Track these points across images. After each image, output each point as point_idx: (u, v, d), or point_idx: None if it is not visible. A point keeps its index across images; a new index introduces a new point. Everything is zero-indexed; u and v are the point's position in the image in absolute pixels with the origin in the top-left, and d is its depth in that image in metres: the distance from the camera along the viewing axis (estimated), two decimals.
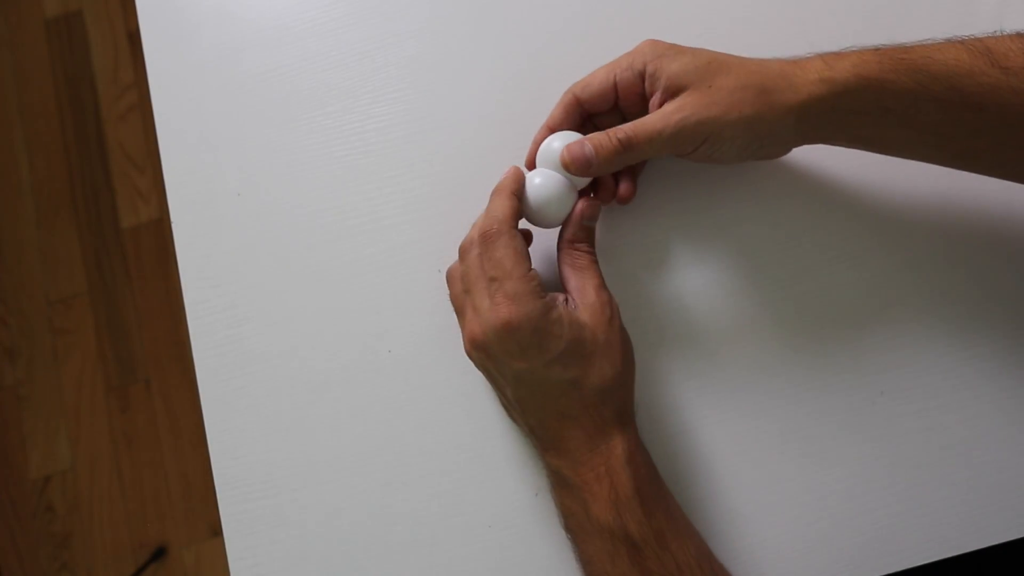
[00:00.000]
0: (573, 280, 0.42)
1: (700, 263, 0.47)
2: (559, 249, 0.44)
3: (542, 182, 0.42)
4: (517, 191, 0.42)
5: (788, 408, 0.46)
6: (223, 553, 0.46)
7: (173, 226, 0.50)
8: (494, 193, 0.43)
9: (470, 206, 0.47)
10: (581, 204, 0.43)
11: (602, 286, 0.42)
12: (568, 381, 0.40)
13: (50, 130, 1.45)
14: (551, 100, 0.50)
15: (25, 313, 1.39)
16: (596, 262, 0.43)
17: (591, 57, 0.50)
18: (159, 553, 1.29)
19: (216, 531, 1.29)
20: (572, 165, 0.42)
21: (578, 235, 0.43)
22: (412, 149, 0.50)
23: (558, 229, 0.44)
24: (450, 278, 0.44)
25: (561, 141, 0.42)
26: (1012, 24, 0.49)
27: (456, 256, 0.44)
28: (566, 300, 0.41)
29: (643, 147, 0.41)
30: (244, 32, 0.52)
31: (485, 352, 0.41)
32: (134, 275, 1.39)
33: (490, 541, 0.45)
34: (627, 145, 0.41)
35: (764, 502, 0.45)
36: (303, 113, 0.51)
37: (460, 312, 0.43)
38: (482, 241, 0.41)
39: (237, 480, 0.47)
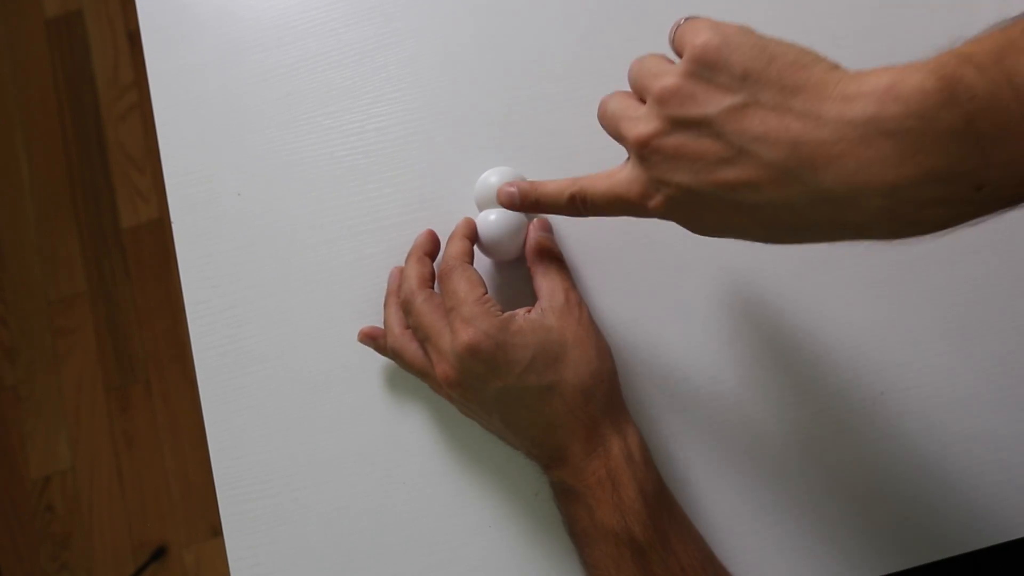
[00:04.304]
0: (544, 285, 0.43)
1: (699, 264, 0.47)
2: (529, 260, 0.45)
3: (496, 219, 0.45)
4: (468, 234, 0.45)
5: (788, 408, 0.46)
6: (223, 553, 0.46)
7: (173, 226, 0.50)
8: (448, 239, 0.45)
9: (471, 206, 0.47)
10: (533, 226, 0.46)
11: (572, 288, 0.44)
12: (546, 387, 0.40)
13: (50, 130, 1.45)
14: (551, 99, 0.50)
15: (25, 313, 1.39)
16: (565, 266, 0.45)
17: (591, 56, 0.50)
18: (159, 553, 1.29)
19: (216, 531, 1.29)
20: (505, 204, 0.43)
21: (541, 242, 0.45)
22: (412, 149, 0.50)
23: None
24: (398, 350, 0.44)
25: (498, 177, 0.45)
26: None
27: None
28: (528, 311, 0.42)
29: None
30: (244, 32, 0.52)
31: (461, 387, 0.41)
32: (134, 275, 1.39)
33: (490, 541, 0.45)
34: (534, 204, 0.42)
35: (764, 502, 0.45)
36: (303, 113, 0.51)
37: (423, 370, 0.43)
38: (440, 278, 0.43)
39: (237, 480, 0.47)
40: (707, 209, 0.33)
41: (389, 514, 0.46)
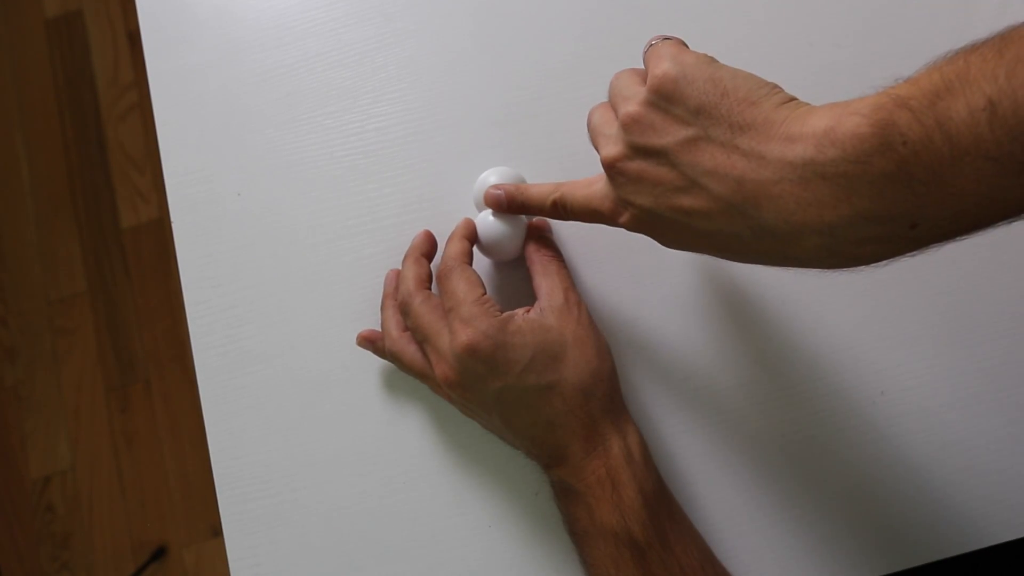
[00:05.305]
0: (544, 285, 0.43)
1: (700, 264, 0.47)
2: (528, 260, 0.45)
3: (495, 219, 0.45)
4: (467, 235, 0.45)
5: (789, 408, 0.46)
6: (223, 553, 0.46)
7: (173, 226, 0.50)
8: (447, 239, 0.45)
9: (470, 206, 0.47)
10: (533, 226, 0.46)
11: (571, 288, 0.43)
12: (546, 387, 0.40)
13: (50, 130, 1.45)
14: (551, 100, 0.50)
15: (25, 313, 1.39)
16: (565, 266, 0.45)
17: (591, 56, 0.50)
18: (159, 553, 1.29)
19: (216, 531, 1.29)
20: (492, 205, 0.44)
21: (540, 242, 0.45)
22: (412, 149, 0.50)
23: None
24: (397, 353, 0.44)
25: (497, 177, 0.45)
26: None
27: None
28: (528, 310, 0.42)
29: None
30: (244, 32, 0.52)
31: (461, 387, 0.41)
32: (134, 275, 1.39)
33: (490, 541, 0.45)
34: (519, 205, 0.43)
35: (764, 502, 0.45)
36: (303, 113, 0.51)
37: (423, 372, 0.44)
38: (439, 279, 0.43)
39: (237, 480, 0.47)
40: (668, 229, 0.35)
41: (389, 514, 0.46)
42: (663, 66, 0.32)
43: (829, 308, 0.47)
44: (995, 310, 0.46)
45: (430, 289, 0.44)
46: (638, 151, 0.34)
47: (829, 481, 0.45)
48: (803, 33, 0.50)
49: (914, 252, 0.29)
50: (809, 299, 0.47)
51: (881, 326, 0.46)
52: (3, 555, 1.32)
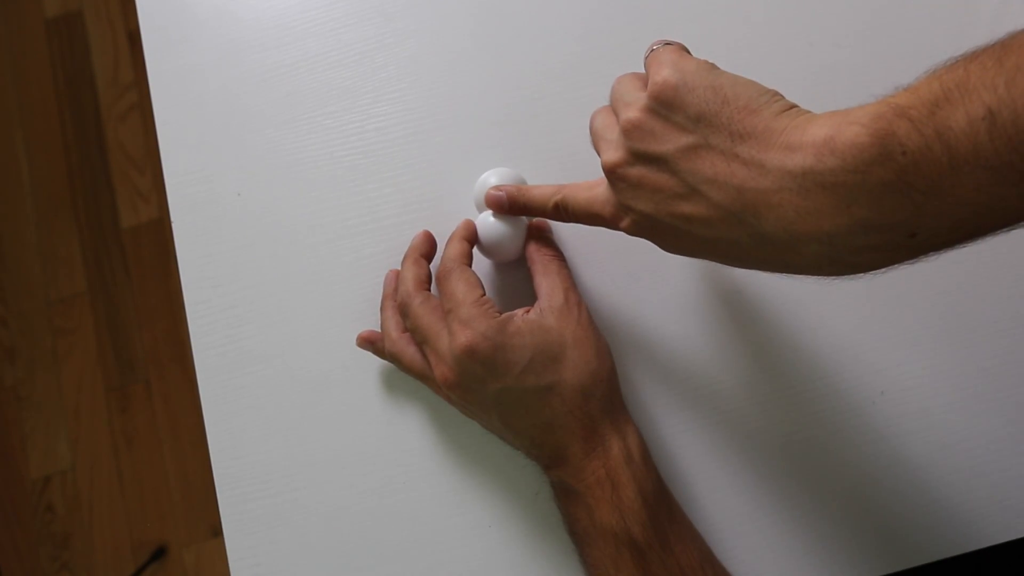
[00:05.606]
0: (544, 285, 0.43)
1: (700, 264, 0.47)
2: (529, 259, 0.45)
3: (496, 220, 0.45)
4: (467, 236, 0.45)
5: (788, 408, 0.46)
6: (223, 553, 0.46)
7: (173, 226, 0.50)
8: (447, 240, 0.45)
9: (470, 207, 0.47)
10: (534, 226, 0.46)
11: (572, 288, 0.43)
12: (545, 388, 0.40)
13: (50, 130, 1.45)
14: (551, 100, 0.50)
15: (25, 313, 1.39)
16: (566, 265, 0.45)
17: (591, 56, 0.50)
18: (159, 553, 1.29)
19: (216, 531, 1.29)
20: (493, 207, 0.44)
21: (541, 241, 0.45)
22: (412, 149, 0.50)
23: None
24: (396, 354, 0.45)
25: (497, 178, 0.45)
26: (1012, 25, 0.49)
27: None
28: (527, 311, 0.42)
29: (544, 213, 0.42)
30: (244, 32, 0.52)
31: (460, 388, 0.41)
32: (134, 275, 1.39)
33: (490, 541, 0.45)
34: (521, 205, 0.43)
35: (764, 502, 0.45)
36: (303, 113, 0.51)
37: (423, 373, 0.44)
38: (438, 280, 0.43)
39: (237, 480, 0.47)
40: (669, 235, 0.35)
41: (389, 514, 0.46)
42: (664, 73, 0.32)
43: (829, 308, 0.47)
44: (995, 310, 0.46)
45: (429, 290, 0.44)
46: (639, 157, 0.34)
47: (829, 481, 0.45)
48: (803, 33, 0.50)
49: (913, 260, 0.29)
50: (809, 299, 0.47)
51: (881, 326, 0.46)
52: (3, 555, 1.32)
